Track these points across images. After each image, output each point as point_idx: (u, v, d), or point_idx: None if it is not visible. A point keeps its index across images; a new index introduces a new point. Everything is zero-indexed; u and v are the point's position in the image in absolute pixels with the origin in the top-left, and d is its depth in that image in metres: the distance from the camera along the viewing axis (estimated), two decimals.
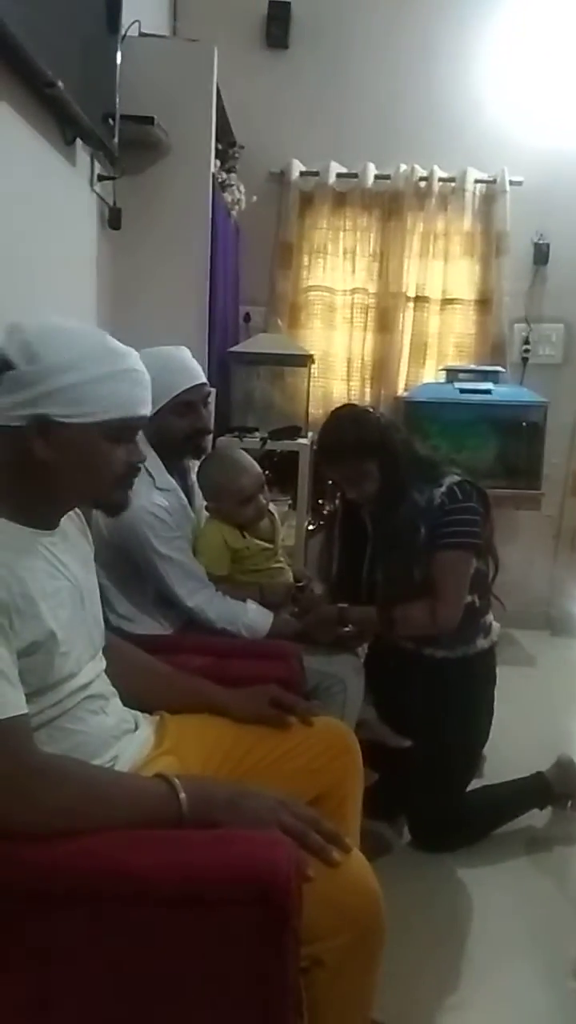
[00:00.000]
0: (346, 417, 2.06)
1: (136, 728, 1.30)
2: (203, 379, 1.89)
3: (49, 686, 1.11)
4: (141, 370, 1.17)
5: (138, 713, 1.34)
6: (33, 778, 1.01)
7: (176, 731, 1.35)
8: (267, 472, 3.33)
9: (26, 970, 1.00)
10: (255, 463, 2.03)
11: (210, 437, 1.96)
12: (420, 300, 3.73)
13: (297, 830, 1.06)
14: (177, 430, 1.87)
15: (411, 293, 3.72)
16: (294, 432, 3.24)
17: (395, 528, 2.00)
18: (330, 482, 2.29)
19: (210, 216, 2.80)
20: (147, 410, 1.18)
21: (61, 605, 1.14)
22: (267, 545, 2.04)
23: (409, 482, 1.98)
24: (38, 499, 1.15)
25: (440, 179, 3.63)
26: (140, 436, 1.87)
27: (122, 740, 1.25)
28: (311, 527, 3.55)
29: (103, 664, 1.29)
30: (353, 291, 3.76)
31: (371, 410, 2.15)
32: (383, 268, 3.73)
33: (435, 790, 2.04)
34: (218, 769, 1.33)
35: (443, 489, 1.95)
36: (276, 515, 2.10)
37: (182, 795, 1.07)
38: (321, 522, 3.79)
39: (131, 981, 1.00)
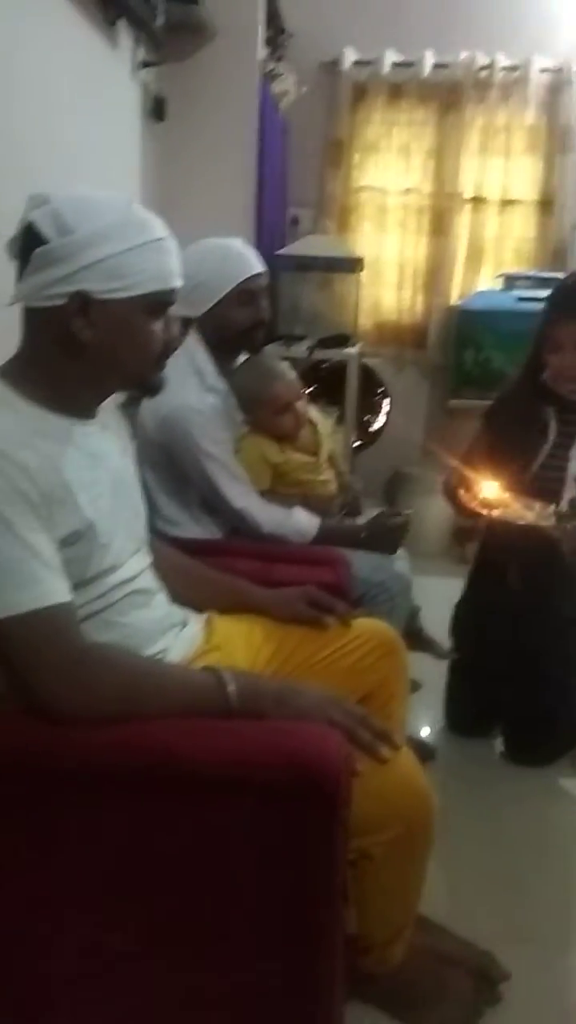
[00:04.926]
0: None
1: (185, 625, 1.29)
2: (263, 267, 1.82)
3: (91, 578, 1.10)
4: (170, 238, 1.11)
5: (188, 611, 1.33)
6: (79, 664, 1.01)
7: (224, 630, 1.34)
8: (314, 385, 3.28)
9: (73, 852, 1.02)
10: (290, 369, 1.94)
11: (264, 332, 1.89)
12: (478, 201, 3.56)
13: (346, 725, 1.05)
14: (240, 321, 1.81)
15: (468, 194, 3.54)
16: (342, 341, 3.15)
17: None
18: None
19: (258, 106, 2.67)
20: (179, 282, 1.12)
21: (100, 496, 1.11)
22: (308, 458, 1.97)
23: None
24: (80, 384, 1.10)
25: (502, 68, 3.39)
26: (193, 334, 1.85)
27: (169, 634, 1.24)
28: (357, 444, 3.47)
29: (148, 559, 1.27)
30: (407, 191, 3.59)
31: None
32: (439, 166, 3.54)
33: (548, 697, 1.96)
34: (265, 667, 1.33)
35: None
36: (319, 424, 2.03)
37: (231, 687, 1.06)
38: (364, 440, 3.67)
39: (179, 867, 1.01)
